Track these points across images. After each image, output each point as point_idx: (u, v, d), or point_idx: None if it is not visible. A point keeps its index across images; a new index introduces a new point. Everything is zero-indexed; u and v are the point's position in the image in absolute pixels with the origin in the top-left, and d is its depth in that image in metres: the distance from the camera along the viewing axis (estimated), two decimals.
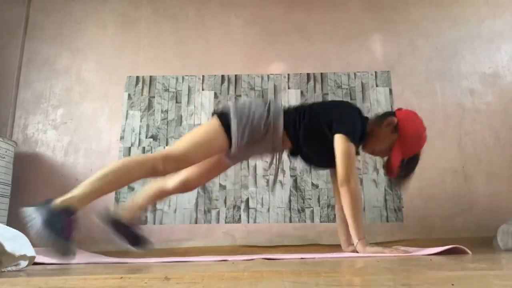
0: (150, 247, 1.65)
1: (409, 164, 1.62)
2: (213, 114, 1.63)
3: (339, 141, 1.46)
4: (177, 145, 1.54)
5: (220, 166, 1.73)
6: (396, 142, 1.55)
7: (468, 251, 1.25)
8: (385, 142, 1.58)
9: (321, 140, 1.54)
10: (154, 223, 2.54)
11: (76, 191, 1.39)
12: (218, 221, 2.54)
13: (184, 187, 1.77)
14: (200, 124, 1.64)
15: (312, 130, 1.55)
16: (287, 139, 1.60)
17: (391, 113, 1.66)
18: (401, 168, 1.59)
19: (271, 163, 1.68)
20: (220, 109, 1.63)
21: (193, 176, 1.71)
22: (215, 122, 1.55)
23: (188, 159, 1.51)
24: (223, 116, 1.55)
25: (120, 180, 1.43)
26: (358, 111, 1.64)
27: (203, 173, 1.73)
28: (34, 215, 1.28)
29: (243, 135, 1.50)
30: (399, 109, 1.68)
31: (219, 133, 1.52)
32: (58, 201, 1.34)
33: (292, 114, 1.60)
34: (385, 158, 1.67)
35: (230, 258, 1.31)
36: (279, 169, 1.68)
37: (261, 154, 1.73)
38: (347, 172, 1.42)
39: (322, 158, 1.62)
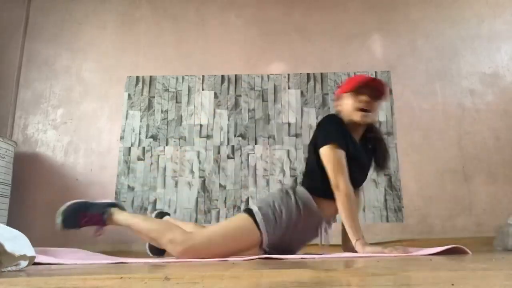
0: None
1: (378, 151, 1.63)
2: (244, 210, 1.53)
3: (323, 153, 1.46)
4: (205, 236, 1.42)
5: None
6: (347, 97, 1.54)
7: (468, 251, 1.25)
8: (349, 107, 1.54)
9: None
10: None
11: (120, 220, 1.61)
12: (218, 221, 2.54)
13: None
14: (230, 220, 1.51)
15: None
16: (324, 199, 1.50)
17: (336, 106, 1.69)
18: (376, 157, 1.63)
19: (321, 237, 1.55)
20: (247, 209, 1.52)
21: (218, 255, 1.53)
22: (246, 218, 1.45)
23: (214, 254, 1.39)
24: (252, 215, 1.46)
25: (148, 235, 1.52)
26: (335, 117, 1.59)
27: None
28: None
29: (274, 230, 1.44)
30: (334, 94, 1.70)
31: (252, 230, 1.42)
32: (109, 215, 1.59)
33: (307, 178, 1.58)
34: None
35: (230, 258, 1.30)
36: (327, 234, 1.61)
37: (308, 236, 1.58)
38: (336, 177, 1.42)
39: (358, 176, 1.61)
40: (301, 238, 1.55)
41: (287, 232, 1.46)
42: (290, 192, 1.51)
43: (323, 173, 1.47)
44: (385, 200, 2.55)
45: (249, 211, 1.47)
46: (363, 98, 1.51)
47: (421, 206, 2.53)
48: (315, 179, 1.52)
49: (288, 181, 2.58)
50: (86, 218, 1.56)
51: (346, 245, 1.63)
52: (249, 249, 1.46)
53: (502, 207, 2.48)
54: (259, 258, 1.23)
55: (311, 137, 1.62)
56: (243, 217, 1.46)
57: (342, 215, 1.43)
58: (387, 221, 2.51)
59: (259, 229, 1.42)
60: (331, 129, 1.51)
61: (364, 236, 1.41)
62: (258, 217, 1.43)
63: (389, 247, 1.37)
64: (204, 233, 1.43)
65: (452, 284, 0.49)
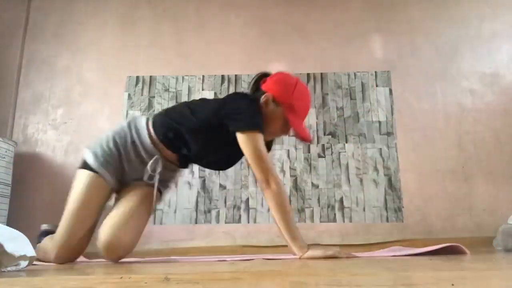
0: None
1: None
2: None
3: (244, 140, 1.26)
4: (61, 231, 1.36)
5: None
6: (286, 113, 1.37)
7: (466, 250, 1.25)
8: (278, 119, 1.38)
9: (216, 141, 1.37)
10: (154, 223, 2.54)
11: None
12: (218, 221, 2.54)
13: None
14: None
15: (200, 131, 1.36)
16: (163, 147, 1.40)
17: (258, 89, 1.44)
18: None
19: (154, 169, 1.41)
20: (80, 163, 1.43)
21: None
22: (79, 175, 1.38)
23: (74, 235, 1.35)
24: (83, 164, 1.39)
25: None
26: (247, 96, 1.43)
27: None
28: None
29: (109, 163, 1.37)
30: (263, 81, 1.45)
31: (92, 179, 1.36)
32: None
33: (163, 117, 1.43)
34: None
35: (230, 258, 1.30)
36: (159, 198, 1.47)
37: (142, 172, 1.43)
38: (264, 172, 1.25)
39: (222, 159, 1.46)
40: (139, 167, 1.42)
41: (123, 160, 1.38)
42: (129, 128, 1.40)
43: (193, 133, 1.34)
44: (385, 200, 2.55)
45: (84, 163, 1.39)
46: (290, 131, 1.40)
47: (421, 206, 2.53)
48: (182, 126, 1.36)
49: (287, 181, 2.58)
50: None
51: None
52: (103, 198, 1.38)
53: (502, 207, 2.48)
54: (259, 258, 1.23)
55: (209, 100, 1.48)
56: (78, 177, 1.38)
57: (276, 217, 1.25)
58: (387, 221, 2.51)
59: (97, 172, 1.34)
60: (254, 112, 1.32)
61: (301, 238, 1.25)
62: (93, 163, 1.35)
63: (333, 249, 1.21)
64: (60, 225, 1.37)
65: (452, 284, 0.49)
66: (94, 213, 1.39)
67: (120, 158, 1.40)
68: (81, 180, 1.38)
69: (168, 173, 1.50)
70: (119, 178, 1.43)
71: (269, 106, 1.38)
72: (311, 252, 1.19)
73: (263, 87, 1.42)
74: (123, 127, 1.44)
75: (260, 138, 1.28)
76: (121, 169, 1.42)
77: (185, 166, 1.53)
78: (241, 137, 1.28)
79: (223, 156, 1.47)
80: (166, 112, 1.47)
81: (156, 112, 2.74)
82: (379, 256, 1.26)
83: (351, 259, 1.16)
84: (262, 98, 1.37)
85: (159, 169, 1.41)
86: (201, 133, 1.38)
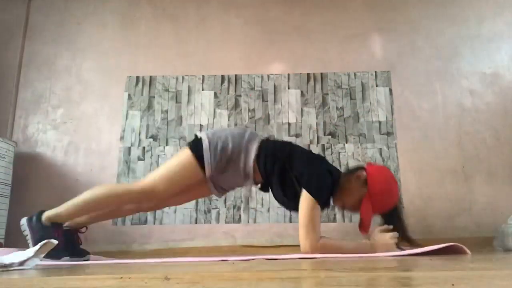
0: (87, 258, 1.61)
1: (390, 220, 1.55)
2: (187, 144, 1.67)
3: (305, 201, 1.43)
4: (153, 179, 1.59)
5: (200, 191, 1.79)
6: (365, 196, 1.51)
7: (467, 250, 1.25)
8: (355, 196, 1.54)
9: (290, 188, 1.54)
10: (154, 223, 2.54)
11: (60, 210, 1.58)
12: (218, 221, 2.54)
13: (155, 206, 1.82)
14: (174, 156, 1.68)
15: (282, 175, 1.56)
16: (258, 172, 1.62)
17: (361, 168, 1.62)
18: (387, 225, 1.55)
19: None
20: (194, 139, 1.67)
21: (167, 193, 1.71)
22: (187, 153, 1.60)
23: (164, 193, 1.59)
24: (195, 145, 1.61)
25: (98, 206, 1.63)
26: (329, 170, 1.59)
27: (179, 195, 1.75)
28: (27, 231, 1.55)
29: (215, 161, 1.57)
30: (370, 164, 1.64)
31: (192, 163, 1.58)
32: (45, 217, 1.56)
33: (269, 149, 1.62)
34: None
35: (230, 258, 1.30)
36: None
37: (237, 183, 1.73)
38: (307, 233, 1.39)
39: (289, 203, 1.62)
40: (235, 178, 1.67)
41: (223, 170, 1.60)
42: (244, 149, 1.60)
43: (275, 171, 1.55)
44: None
45: (195, 142, 1.61)
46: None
47: (421, 206, 2.53)
48: (277, 161, 1.57)
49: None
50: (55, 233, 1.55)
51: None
52: (193, 180, 1.61)
53: (502, 207, 2.48)
54: (259, 258, 1.23)
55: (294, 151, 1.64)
56: (186, 154, 1.60)
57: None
58: None
59: (201, 159, 1.56)
60: (325, 185, 1.48)
61: (367, 239, 1.44)
62: (205, 144, 1.57)
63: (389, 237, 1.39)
64: (156, 175, 1.60)
65: (452, 284, 0.49)
66: (180, 186, 1.63)
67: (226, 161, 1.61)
68: (187, 159, 1.59)
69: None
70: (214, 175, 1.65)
71: (356, 182, 1.55)
72: (379, 250, 1.38)
73: (368, 166, 1.61)
74: (240, 143, 1.61)
75: (318, 208, 1.43)
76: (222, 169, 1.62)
77: (266, 191, 1.73)
78: (305, 196, 1.44)
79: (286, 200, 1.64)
80: (275, 148, 1.64)
81: (156, 111, 2.74)
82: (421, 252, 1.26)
83: (351, 258, 1.16)
84: (358, 173, 1.56)
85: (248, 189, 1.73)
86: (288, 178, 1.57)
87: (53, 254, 1.24)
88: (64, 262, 1.46)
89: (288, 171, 1.55)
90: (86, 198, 1.57)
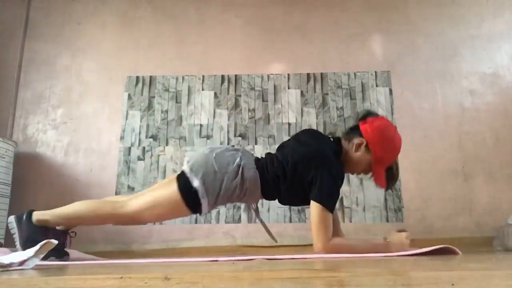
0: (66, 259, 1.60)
1: (389, 171, 1.58)
2: (177, 179, 1.47)
3: (315, 210, 1.39)
4: (139, 209, 1.47)
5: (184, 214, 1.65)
6: (373, 160, 1.51)
7: (458, 251, 1.24)
8: (362, 164, 1.54)
9: (299, 192, 1.49)
10: (154, 223, 2.54)
11: (48, 217, 1.54)
12: (218, 221, 2.54)
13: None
14: (163, 190, 1.51)
15: (292, 189, 1.49)
16: (261, 195, 1.56)
17: (356, 131, 1.55)
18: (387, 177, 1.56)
19: (250, 214, 1.66)
20: (184, 180, 1.46)
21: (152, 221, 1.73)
22: (176, 195, 1.44)
23: (149, 221, 1.61)
24: (185, 188, 1.44)
25: (83, 222, 1.60)
26: (336, 156, 1.51)
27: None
28: (15, 229, 1.51)
29: (214, 205, 1.49)
30: (364, 123, 1.55)
31: (181, 207, 1.45)
32: (35, 219, 1.52)
33: (269, 178, 1.50)
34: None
35: (220, 258, 1.29)
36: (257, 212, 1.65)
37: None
38: (317, 237, 1.38)
39: (297, 202, 1.62)
40: (234, 202, 1.59)
41: (223, 199, 1.49)
42: (240, 173, 1.46)
43: (285, 184, 1.47)
44: (385, 200, 2.55)
45: (187, 185, 1.44)
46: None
47: (421, 206, 2.53)
48: (274, 180, 1.49)
49: None
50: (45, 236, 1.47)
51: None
52: (181, 216, 1.58)
53: (502, 207, 2.48)
54: (259, 258, 1.23)
55: (302, 147, 1.52)
56: (174, 193, 1.44)
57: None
58: (387, 221, 2.51)
59: (194, 203, 1.44)
60: (336, 192, 1.44)
61: (382, 237, 1.47)
62: (201, 193, 1.42)
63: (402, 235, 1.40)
64: (143, 205, 1.48)
65: (452, 284, 0.49)
66: (166, 219, 1.61)
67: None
68: (178, 200, 1.45)
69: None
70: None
71: (360, 150, 1.50)
72: (393, 249, 1.36)
73: (362, 128, 1.52)
74: (237, 182, 1.48)
75: (329, 216, 1.40)
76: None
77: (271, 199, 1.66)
78: (314, 206, 1.39)
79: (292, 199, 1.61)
80: (271, 160, 1.55)
81: (156, 111, 2.74)
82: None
83: (351, 258, 1.16)
84: (357, 142, 1.50)
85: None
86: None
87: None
88: (51, 262, 1.44)
89: (292, 184, 1.49)
90: (71, 212, 1.54)
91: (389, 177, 1.57)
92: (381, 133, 1.53)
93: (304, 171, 1.44)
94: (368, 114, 1.59)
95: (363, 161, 1.52)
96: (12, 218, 1.56)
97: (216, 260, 1.20)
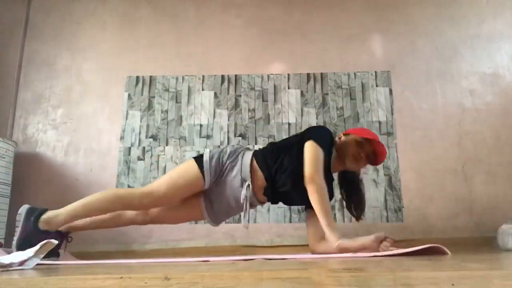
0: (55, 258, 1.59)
1: (353, 196, 1.80)
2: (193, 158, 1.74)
3: (308, 147, 1.56)
4: (158, 185, 1.65)
5: (193, 213, 1.81)
6: (354, 138, 1.69)
7: (447, 251, 1.24)
8: (350, 145, 1.69)
9: (298, 179, 1.59)
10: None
11: (61, 214, 1.59)
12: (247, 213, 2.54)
13: (150, 220, 1.82)
14: (180, 165, 1.78)
15: (292, 172, 1.62)
16: (261, 177, 1.66)
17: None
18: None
19: (244, 211, 1.71)
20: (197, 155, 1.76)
21: (163, 212, 1.79)
22: (190, 162, 1.69)
23: (166, 198, 1.66)
24: (198, 158, 1.70)
25: (100, 210, 1.64)
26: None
27: (173, 211, 1.79)
28: (19, 223, 1.56)
29: (212, 171, 1.66)
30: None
31: (194, 170, 1.65)
32: (43, 220, 1.57)
33: (263, 149, 1.74)
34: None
35: (211, 258, 1.29)
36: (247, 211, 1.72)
37: (233, 204, 1.75)
38: (313, 170, 1.50)
39: (299, 195, 1.66)
40: (230, 194, 1.71)
41: (221, 180, 1.67)
42: (241, 153, 1.70)
43: (287, 161, 1.62)
44: (385, 200, 2.55)
45: (199, 157, 1.70)
46: (362, 154, 1.67)
47: (421, 206, 2.53)
48: (275, 157, 1.66)
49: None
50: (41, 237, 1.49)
51: (315, 246, 1.65)
52: (194, 190, 1.68)
53: (502, 207, 2.48)
54: (259, 258, 1.23)
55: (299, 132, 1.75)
56: (189, 162, 1.70)
57: (317, 209, 1.48)
58: (387, 221, 2.51)
59: (202, 170, 1.64)
60: (325, 136, 1.66)
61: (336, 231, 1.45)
62: (206, 156, 1.67)
63: (365, 240, 1.37)
64: (159, 180, 1.67)
65: (452, 284, 0.49)
66: (180, 192, 1.69)
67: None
68: (190, 166, 1.68)
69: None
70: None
71: (341, 139, 1.73)
72: (346, 242, 1.38)
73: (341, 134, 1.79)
74: (235, 152, 1.74)
75: (321, 152, 1.56)
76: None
77: (275, 202, 1.79)
78: (307, 144, 1.57)
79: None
80: (271, 149, 1.76)
81: (156, 111, 2.74)
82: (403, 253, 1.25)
83: (351, 258, 1.16)
84: (337, 136, 1.76)
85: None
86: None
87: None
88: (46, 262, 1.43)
89: (294, 157, 1.63)
90: (91, 201, 1.60)
91: (353, 201, 1.77)
92: (355, 128, 1.89)
93: (301, 135, 1.67)
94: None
95: (348, 142, 1.70)
96: (24, 209, 1.60)
97: (207, 260, 1.20)
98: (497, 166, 2.59)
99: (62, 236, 1.64)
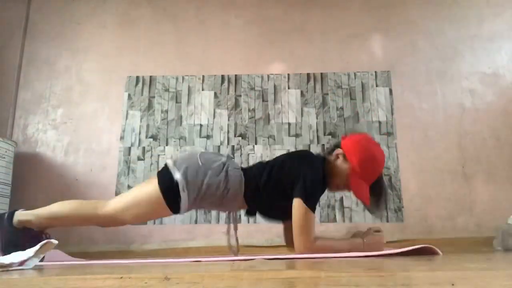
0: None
1: (374, 189, 1.50)
2: (158, 175, 1.48)
3: (299, 210, 1.38)
4: (120, 210, 1.47)
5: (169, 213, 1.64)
6: (350, 170, 1.48)
7: (439, 251, 1.24)
8: (342, 176, 1.50)
9: (280, 198, 1.48)
10: (154, 223, 2.54)
11: (31, 218, 1.54)
12: (218, 221, 2.54)
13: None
14: (143, 185, 1.54)
15: (273, 193, 1.49)
16: (244, 203, 1.54)
17: (338, 145, 1.58)
18: (372, 195, 1.50)
19: (228, 224, 1.60)
20: (164, 174, 1.46)
21: (132, 223, 1.65)
22: (157, 191, 1.43)
23: (130, 222, 1.51)
24: (167, 186, 1.43)
25: (64, 223, 1.60)
26: (320, 163, 1.52)
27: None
28: None
29: (194, 204, 1.46)
30: (344, 138, 1.60)
31: (162, 207, 1.43)
32: (17, 220, 1.51)
33: (252, 179, 1.51)
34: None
35: (203, 259, 1.29)
36: (236, 229, 1.63)
37: (215, 209, 1.70)
38: (299, 236, 1.37)
39: (278, 213, 1.62)
40: (214, 207, 1.59)
41: (204, 197, 1.46)
42: (224, 170, 1.46)
43: (270, 187, 1.48)
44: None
45: (167, 178, 1.43)
46: (348, 188, 1.52)
47: (421, 206, 2.53)
48: (257, 179, 1.49)
49: None
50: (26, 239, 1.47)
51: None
52: (161, 216, 1.58)
53: (502, 207, 2.48)
54: (259, 258, 1.23)
55: (288, 159, 1.56)
56: (154, 192, 1.43)
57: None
58: (387, 221, 2.51)
59: (171, 201, 1.42)
60: (315, 190, 1.44)
61: (343, 237, 1.46)
62: (181, 185, 1.40)
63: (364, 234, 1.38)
64: (122, 203, 1.48)
65: (452, 284, 0.49)
66: (146, 220, 1.63)
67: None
68: (157, 196, 1.44)
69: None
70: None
71: (337, 161, 1.51)
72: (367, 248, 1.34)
73: (342, 141, 1.56)
74: (219, 183, 1.47)
75: (311, 216, 1.38)
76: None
77: (252, 215, 1.68)
78: (296, 203, 1.38)
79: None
80: (255, 176, 1.54)
81: (156, 111, 2.74)
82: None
83: (351, 258, 1.16)
84: (335, 152, 1.53)
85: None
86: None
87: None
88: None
89: (275, 192, 1.50)
90: (54, 212, 1.54)
91: (375, 193, 1.51)
92: (358, 144, 1.52)
93: (290, 170, 1.46)
94: (352, 133, 1.66)
95: (342, 172, 1.50)
96: None
97: (199, 261, 1.20)
98: (497, 166, 2.59)
99: (40, 234, 1.62)
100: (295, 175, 1.43)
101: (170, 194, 1.42)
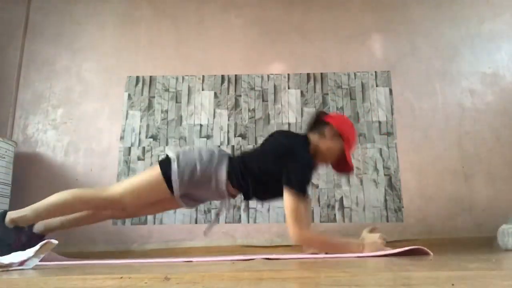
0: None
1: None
2: (158, 162, 1.64)
3: (288, 198, 1.44)
4: (120, 190, 1.58)
5: (170, 205, 1.76)
6: (345, 143, 1.60)
7: (429, 252, 1.24)
8: (335, 151, 1.62)
9: (271, 184, 1.55)
10: (154, 223, 2.54)
11: (26, 212, 1.56)
12: (218, 221, 2.54)
13: (127, 215, 1.83)
14: (146, 171, 1.69)
15: (261, 180, 1.57)
16: (233, 188, 1.62)
17: (322, 122, 1.67)
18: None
19: (220, 209, 1.71)
20: (164, 157, 1.65)
21: (139, 207, 1.74)
22: (157, 171, 1.58)
23: (130, 204, 1.62)
24: (165, 165, 1.58)
25: (63, 211, 1.62)
26: (307, 145, 1.61)
27: (148, 207, 1.76)
28: None
29: (183, 184, 1.55)
30: (323, 113, 1.74)
31: (160, 183, 1.56)
32: (9, 219, 1.53)
33: (237, 164, 1.60)
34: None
35: (194, 259, 1.29)
36: (219, 217, 1.72)
37: (211, 199, 1.77)
38: (293, 225, 1.41)
39: (272, 196, 1.66)
40: (208, 196, 1.70)
41: (196, 186, 1.58)
42: (215, 158, 1.59)
43: (260, 179, 1.55)
44: (385, 200, 2.55)
45: (166, 161, 1.59)
46: (333, 163, 1.67)
47: (421, 206, 2.53)
48: (249, 175, 1.57)
49: None
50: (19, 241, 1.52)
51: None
52: (160, 197, 1.62)
53: (502, 207, 2.48)
54: (259, 258, 1.23)
55: (279, 141, 1.62)
56: (154, 172, 1.59)
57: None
58: (387, 221, 2.51)
59: (169, 181, 1.54)
60: (306, 177, 1.51)
61: (354, 239, 1.43)
62: (174, 166, 1.54)
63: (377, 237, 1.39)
64: (123, 186, 1.60)
65: (452, 284, 0.49)
66: (146, 201, 1.66)
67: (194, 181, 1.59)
68: (156, 178, 1.57)
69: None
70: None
71: (331, 138, 1.61)
72: (367, 249, 1.35)
73: (329, 119, 1.66)
74: (208, 167, 1.58)
75: (302, 204, 1.44)
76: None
77: (248, 199, 1.72)
78: (287, 193, 1.44)
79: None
80: (244, 163, 1.62)
81: (156, 111, 2.74)
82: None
83: (351, 258, 1.16)
84: (328, 129, 1.62)
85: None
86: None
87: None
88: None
89: (264, 179, 1.56)
90: (53, 201, 1.56)
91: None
92: (345, 120, 1.70)
93: (277, 159, 1.53)
94: (324, 112, 1.77)
95: (334, 147, 1.61)
96: None
97: (191, 261, 1.21)
98: (497, 166, 2.59)
99: (38, 237, 1.61)
100: (283, 164, 1.50)
101: (167, 170, 1.56)
